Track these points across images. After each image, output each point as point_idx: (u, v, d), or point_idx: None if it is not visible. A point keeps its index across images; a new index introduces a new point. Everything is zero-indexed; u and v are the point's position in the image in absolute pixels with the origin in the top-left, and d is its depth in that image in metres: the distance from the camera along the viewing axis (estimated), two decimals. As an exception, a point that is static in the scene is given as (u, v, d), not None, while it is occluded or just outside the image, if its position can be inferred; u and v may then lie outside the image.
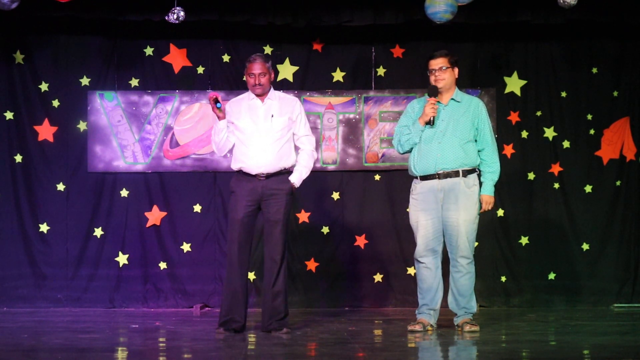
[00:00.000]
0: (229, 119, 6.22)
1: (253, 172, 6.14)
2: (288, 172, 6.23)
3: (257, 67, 6.16)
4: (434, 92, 6.23)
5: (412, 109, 6.37)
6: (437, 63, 6.24)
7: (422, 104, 6.29)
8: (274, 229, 6.15)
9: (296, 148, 6.33)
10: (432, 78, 6.26)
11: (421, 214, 6.22)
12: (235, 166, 6.25)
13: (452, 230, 6.18)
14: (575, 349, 5.37)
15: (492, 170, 6.26)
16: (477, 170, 6.26)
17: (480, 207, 6.25)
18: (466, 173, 6.18)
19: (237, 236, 6.15)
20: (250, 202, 6.16)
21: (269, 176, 6.14)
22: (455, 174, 6.16)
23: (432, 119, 6.16)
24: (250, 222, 6.19)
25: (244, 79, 6.34)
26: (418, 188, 6.25)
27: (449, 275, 6.31)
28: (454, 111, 6.23)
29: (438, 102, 6.24)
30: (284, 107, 6.25)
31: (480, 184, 6.27)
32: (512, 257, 8.38)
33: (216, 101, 6.14)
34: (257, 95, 6.21)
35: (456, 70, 6.30)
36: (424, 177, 6.21)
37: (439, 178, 6.17)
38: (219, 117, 6.19)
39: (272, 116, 6.18)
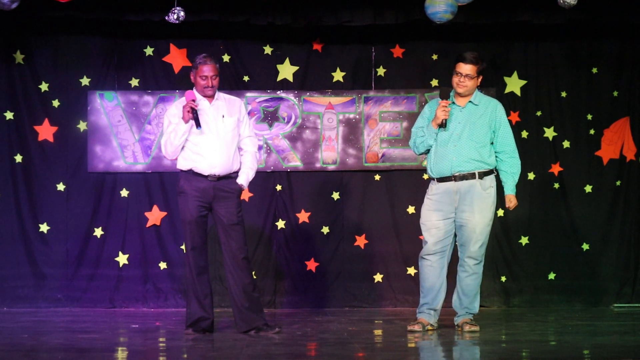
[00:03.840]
0: (178, 121, 6.10)
1: (205, 173, 6.09)
2: (236, 173, 6.20)
3: (209, 69, 6.10)
4: (446, 94, 6.18)
5: (429, 109, 6.32)
6: (466, 70, 6.13)
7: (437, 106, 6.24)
8: (233, 231, 6.10)
9: (239, 149, 6.27)
10: (455, 79, 6.17)
11: (434, 214, 6.22)
12: (184, 166, 6.14)
13: (464, 231, 6.18)
14: (575, 349, 5.37)
15: (513, 172, 6.24)
16: (494, 171, 6.24)
17: (496, 209, 6.27)
18: (482, 175, 6.16)
19: (191, 238, 6.10)
20: (202, 203, 6.10)
21: (220, 178, 6.11)
22: (472, 176, 6.14)
23: (444, 121, 6.13)
24: (203, 222, 6.15)
25: (191, 78, 6.20)
26: (434, 189, 6.25)
27: (454, 276, 6.31)
28: (471, 114, 6.19)
29: (454, 104, 6.21)
30: (232, 107, 6.21)
31: (498, 185, 6.26)
32: (512, 257, 8.38)
33: (193, 110, 6.03)
34: (206, 97, 6.15)
35: (480, 78, 6.22)
36: (441, 179, 6.21)
37: (455, 180, 6.16)
38: (185, 120, 6.04)
39: (223, 117, 6.14)
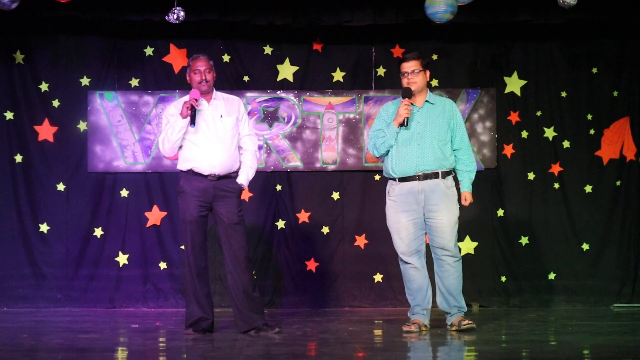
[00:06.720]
0: (176, 119, 6.11)
1: (205, 173, 6.10)
2: (236, 172, 6.21)
3: (202, 64, 6.14)
4: (408, 93, 6.24)
5: (385, 112, 6.38)
6: (410, 66, 6.26)
7: (395, 106, 6.31)
8: (234, 231, 6.10)
9: (239, 148, 6.28)
10: (404, 80, 6.28)
11: (402, 215, 6.23)
12: (184, 166, 6.16)
13: (437, 231, 6.20)
14: (575, 349, 5.37)
15: (469, 169, 6.32)
16: (453, 172, 6.30)
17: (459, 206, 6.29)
18: (445, 175, 6.22)
19: (191, 238, 6.11)
20: (203, 203, 6.11)
21: (220, 177, 6.11)
22: (435, 175, 6.19)
23: (406, 120, 6.17)
24: (203, 222, 6.15)
25: (187, 78, 6.24)
26: (397, 190, 6.26)
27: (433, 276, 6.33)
28: (429, 113, 6.26)
29: (412, 104, 6.26)
30: (230, 107, 6.22)
31: (457, 184, 6.31)
32: (512, 257, 8.38)
33: (192, 107, 6.05)
34: (203, 94, 6.15)
35: (428, 73, 6.33)
36: (403, 179, 6.23)
37: (419, 180, 6.19)
38: (183, 116, 6.04)
39: (221, 116, 6.16)
